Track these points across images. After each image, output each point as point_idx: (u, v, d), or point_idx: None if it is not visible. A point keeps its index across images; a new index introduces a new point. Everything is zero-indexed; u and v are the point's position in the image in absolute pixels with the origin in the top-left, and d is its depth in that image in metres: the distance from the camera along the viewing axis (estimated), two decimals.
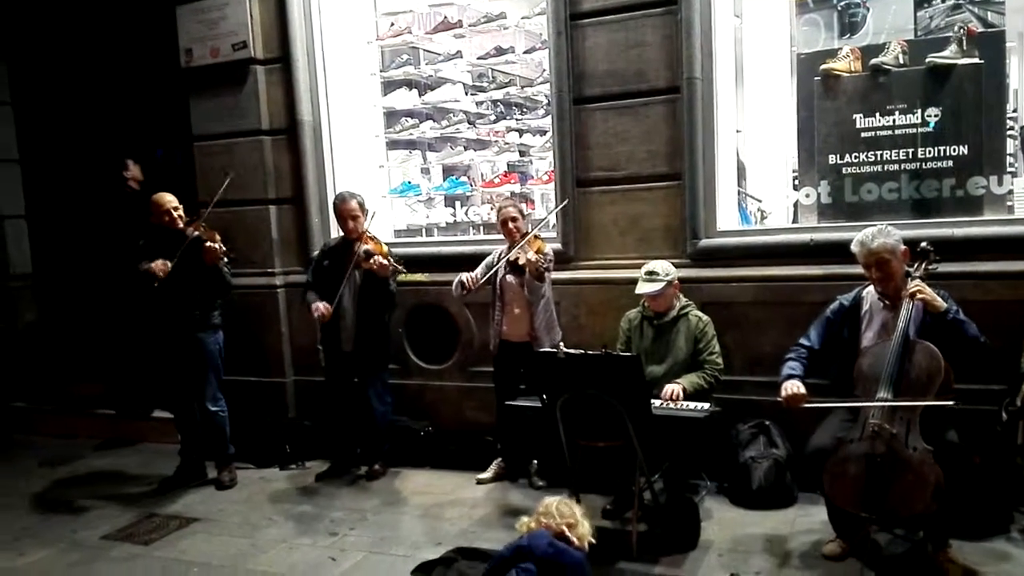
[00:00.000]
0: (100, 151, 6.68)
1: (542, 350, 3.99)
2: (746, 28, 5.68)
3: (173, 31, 5.75)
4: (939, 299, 3.24)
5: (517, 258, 4.38)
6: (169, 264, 4.63)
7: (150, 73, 6.33)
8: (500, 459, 4.82)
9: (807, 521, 3.91)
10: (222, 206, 5.04)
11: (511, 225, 4.49)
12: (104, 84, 6.66)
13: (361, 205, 4.81)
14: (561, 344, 3.81)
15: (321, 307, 4.70)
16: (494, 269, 4.53)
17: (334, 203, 4.91)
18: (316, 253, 5.08)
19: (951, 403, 3.08)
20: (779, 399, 3.41)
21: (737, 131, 5.44)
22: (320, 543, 4.05)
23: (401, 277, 4.85)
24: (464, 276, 4.49)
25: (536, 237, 4.45)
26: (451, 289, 4.57)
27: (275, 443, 5.33)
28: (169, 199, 4.79)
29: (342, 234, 4.90)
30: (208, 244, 4.62)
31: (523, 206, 4.66)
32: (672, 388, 3.85)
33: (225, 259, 4.73)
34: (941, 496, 3.05)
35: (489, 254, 4.68)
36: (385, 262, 4.61)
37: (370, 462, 5.02)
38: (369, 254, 4.65)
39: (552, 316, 4.58)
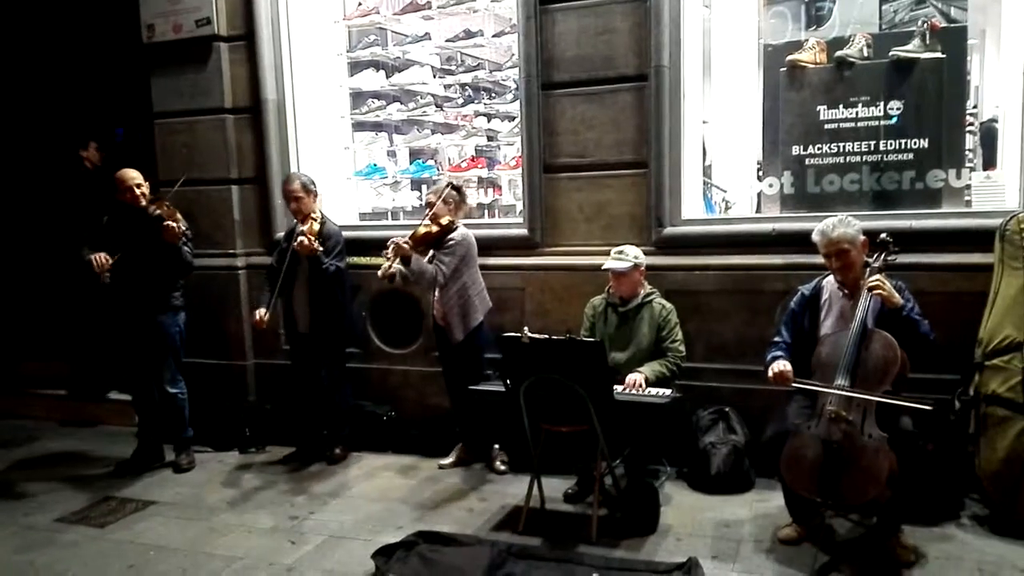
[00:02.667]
0: (58, 129, 6.50)
1: (506, 335, 3.98)
2: (715, 18, 5.72)
3: (135, 5, 5.59)
4: (896, 295, 3.29)
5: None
6: (111, 260, 4.50)
7: (110, 49, 6.17)
8: (461, 444, 4.82)
9: (764, 506, 3.97)
10: (184, 185, 4.94)
11: (427, 210, 4.57)
12: (62, 60, 6.48)
13: (305, 186, 4.76)
14: (526, 329, 3.81)
15: (257, 315, 4.70)
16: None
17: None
18: (280, 235, 5.00)
19: (928, 408, 3.12)
20: (769, 376, 3.43)
21: (704, 121, 5.47)
22: (280, 527, 4.02)
23: (363, 260, 4.81)
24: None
25: (435, 221, 4.49)
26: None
27: (235, 427, 5.28)
28: (133, 175, 4.69)
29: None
30: (168, 223, 4.53)
31: (450, 191, 4.60)
32: (634, 378, 3.87)
33: (185, 238, 4.65)
34: (895, 483, 3.13)
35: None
36: (173, 225, 4.54)
37: (330, 446, 4.99)
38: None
39: (468, 302, 4.55)
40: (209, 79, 5.53)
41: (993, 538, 3.56)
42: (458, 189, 4.69)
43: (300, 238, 4.58)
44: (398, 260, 4.40)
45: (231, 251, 5.54)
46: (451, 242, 4.51)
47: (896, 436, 3.17)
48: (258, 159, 5.51)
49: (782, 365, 3.42)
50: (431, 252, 4.53)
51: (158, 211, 4.59)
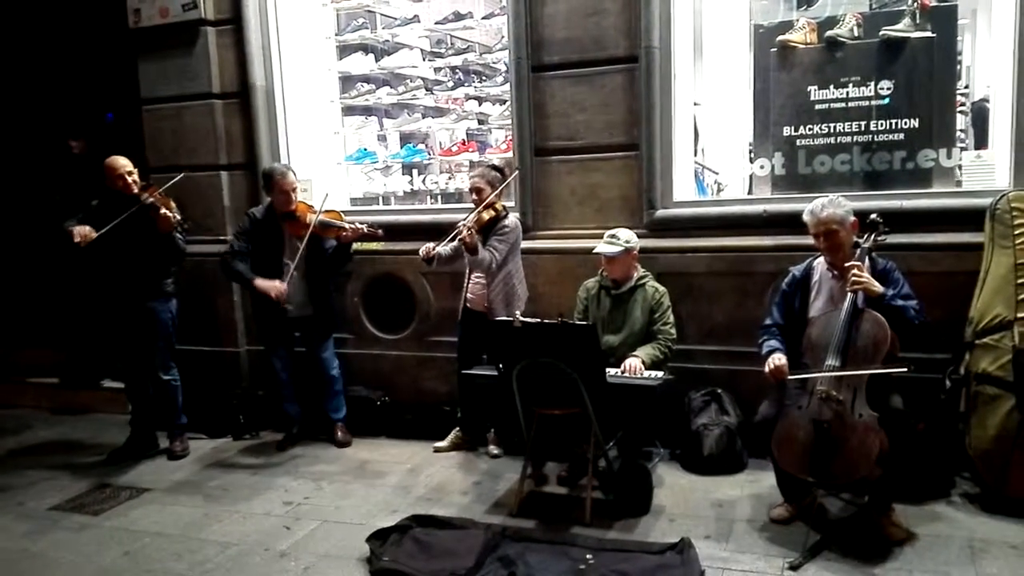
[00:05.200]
0: (48, 114, 6.44)
1: (498, 319, 3.99)
2: None
3: None
4: (876, 285, 3.29)
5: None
6: (95, 233, 4.44)
7: (98, 34, 6.10)
8: (458, 428, 4.82)
9: (756, 486, 4.00)
10: (173, 171, 4.90)
11: (475, 196, 4.50)
12: (50, 46, 6.41)
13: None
14: (518, 313, 3.81)
15: (279, 286, 4.62)
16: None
17: (272, 176, 4.78)
18: (244, 221, 4.90)
19: (905, 370, 3.16)
20: (766, 372, 3.45)
21: (696, 103, 5.45)
22: (274, 512, 4.03)
23: (357, 246, 4.80)
24: (422, 250, 4.43)
25: (492, 208, 4.45)
26: (408, 259, 4.56)
27: (228, 413, 5.27)
28: (123, 163, 4.65)
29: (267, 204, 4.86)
30: (163, 212, 4.50)
31: (496, 174, 4.55)
32: (633, 363, 3.88)
33: (180, 228, 4.63)
34: (885, 461, 3.15)
35: (448, 223, 4.61)
36: (168, 215, 4.53)
37: (331, 430, 5.00)
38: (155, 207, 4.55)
39: (512, 290, 4.53)
40: (197, 64, 5.48)
41: (983, 516, 3.59)
42: (500, 170, 4.63)
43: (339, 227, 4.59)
44: (450, 245, 4.35)
45: (221, 237, 5.50)
46: (505, 229, 4.46)
47: (886, 415, 3.19)
48: (247, 144, 5.48)
49: (779, 360, 3.43)
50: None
51: (151, 199, 4.56)
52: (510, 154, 5.04)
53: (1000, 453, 3.60)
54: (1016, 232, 3.76)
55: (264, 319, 4.92)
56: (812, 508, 3.48)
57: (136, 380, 4.93)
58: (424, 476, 4.42)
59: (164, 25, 5.47)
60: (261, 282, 4.66)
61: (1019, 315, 3.63)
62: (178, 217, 4.60)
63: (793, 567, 3.17)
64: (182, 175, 4.93)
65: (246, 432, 5.23)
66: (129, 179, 4.62)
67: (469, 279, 4.59)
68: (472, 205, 4.54)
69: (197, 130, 5.52)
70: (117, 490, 4.44)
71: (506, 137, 5.40)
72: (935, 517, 3.59)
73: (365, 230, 4.61)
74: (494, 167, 4.63)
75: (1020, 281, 3.69)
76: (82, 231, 4.44)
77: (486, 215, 4.44)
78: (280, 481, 4.45)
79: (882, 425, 3.14)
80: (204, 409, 5.25)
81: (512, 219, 4.55)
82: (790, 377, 3.40)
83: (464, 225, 4.28)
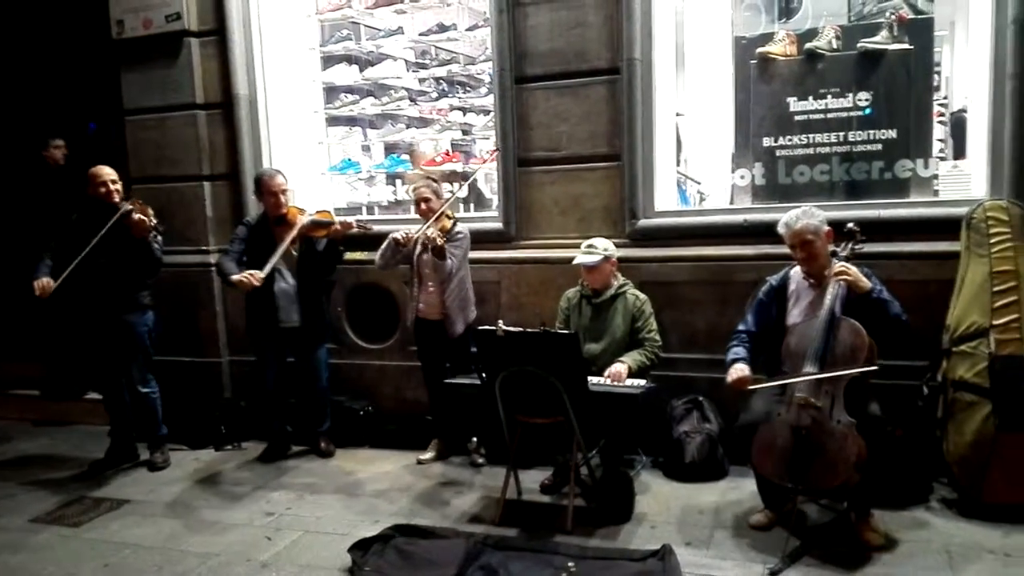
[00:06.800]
0: (30, 125, 6.41)
1: (480, 328, 4.00)
2: (688, 11, 5.74)
3: (104, 1, 5.53)
4: (863, 279, 3.34)
5: (420, 236, 4.42)
6: (54, 284, 4.45)
7: (81, 45, 6.10)
8: (437, 438, 4.82)
9: (737, 493, 4.02)
10: (156, 182, 4.91)
11: (423, 206, 4.54)
12: (33, 55, 6.39)
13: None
14: (500, 322, 3.82)
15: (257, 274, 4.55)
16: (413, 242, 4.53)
17: (261, 178, 4.82)
18: (240, 230, 4.90)
19: (874, 368, 3.23)
20: (727, 382, 3.50)
21: (678, 114, 5.50)
22: (256, 523, 4.01)
23: (357, 256, 4.89)
24: (398, 233, 4.47)
25: (447, 216, 4.53)
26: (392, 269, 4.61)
27: (210, 424, 5.24)
28: (107, 172, 4.65)
29: (262, 211, 4.87)
30: (137, 216, 4.49)
31: (438, 186, 4.69)
32: (617, 369, 3.90)
33: (155, 232, 4.61)
34: (864, 468, 3.18)
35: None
36: (142, 219, 4.52)
37: (315, 441, 4.99)
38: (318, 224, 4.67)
39: (467, 295, 4.60)
40: (180, 75, 5.48)
41: (961, 521, 3.62)
42: (437, 181, 4.75)
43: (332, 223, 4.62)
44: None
45: (204, 248, 5.50)
46: (459, 235, 4.54)
47: (864, 421, 3.22)
48: (230, 155, 5.48)
49: (739, 371, 3.48)
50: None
51: (129, 206, 4.56)
52: (493, 165, 5.07)
53: (977, 459, 3.64)
54: (992, 241, 3.81)
55: (256, 329, 4.89)
56: (792, 514, 3.50)
57: (114, 392, 4.89)
58: (407, 486, 4.41)
59: (147, 36, 5.48)
60: (237, 276, 4.60)
61: (995, 322, 3.67)
62: (153, 222, 4.58)
63: (773, 573, 3.18)
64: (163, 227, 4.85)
65: (228, 443, 5.20)
66: (112, 187, 4.62)
67: (420, 289, 4.62)
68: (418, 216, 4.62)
69: (180, 141, 5.52)
70: (97, 502, 4.40)
71: (490, 148, 5.42)
72: (913, 523, 3.62)
73: (355, 225, 4.64)
74: (431, 178, 4.75)
75: (996, 289, 3.73)
76: (41, 284, 4.46)
77: (447, 222, 4.49)
78: (262, 492, 4.43)
79: (860, 431, 3.17)
80: (186, 420, 5.22)
81: (463, 226, 4.62)
82: (750, 387, 3.44)
83: (428, 233, 4.33)
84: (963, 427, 3.69)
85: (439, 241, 4.30)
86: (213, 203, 5.56)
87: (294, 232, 4.63)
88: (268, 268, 4.55)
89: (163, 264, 4.80)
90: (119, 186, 4.67)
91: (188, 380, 5.45)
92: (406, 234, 4.43)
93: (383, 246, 4.54)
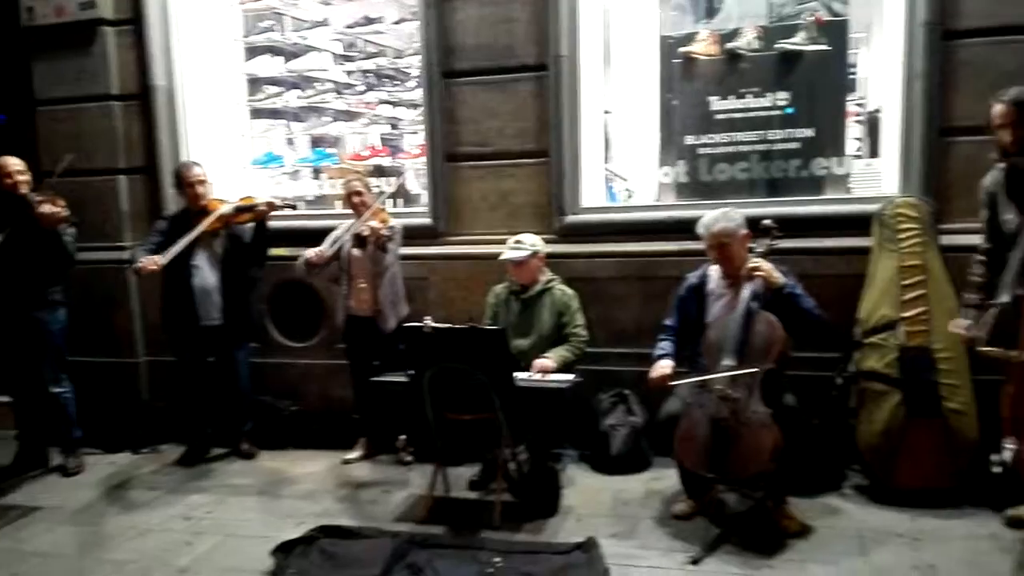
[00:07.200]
0: None
1: (408, 324, 3.97)
2: (615, 9, 5.79)
3: None
4: (777, 274, 3.43)
5: (361, 231, 4.38)
6: None
7: None
8: (364, 437, 4.77)
9: (661, 484, 4.08)
10: (69, 175, 4.69)
11: (355, 199, 4.49)
12: None
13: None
14: (428, 319, 3.80)
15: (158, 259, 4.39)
16: (339, 242, 4.50)
17: (179, 171, 4.73)
18: (160, 224, 4.77)
19: (772, 367, 3.32)
20: (650, 377, 3.58)
21: (606, 111, 5.56)
22: (174, 527, 3.89)
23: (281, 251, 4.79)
24: (309, 252, 4.45)
25: (381, 209, 4.50)
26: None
27: (126, 426, 5.07)
28: (12, 163, 4.44)
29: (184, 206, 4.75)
30: (45, 207, 4.29)
31: (370, 180, 4.70)
32: (543, 363, 3.92)
33: (67, 224, 4.42)
34: (780, 457, 3.27)
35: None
36: (51, 210, 4.35)
37: (236, 443, 4.87)
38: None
39: (399, 291, 4.58)
40: (95, 65, 5.25)
41: (873, 506, 3.76)
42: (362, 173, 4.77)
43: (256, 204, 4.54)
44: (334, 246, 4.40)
45: (120, 244, 5.30)
46: (394, 229, 4.47)
47: (780, 412, 3.32)
48: (148, 148, 5.28)
49: (662, 367, 3.56)
50: None
51: (39, 197, 4.37)
52: (423, 160, 5.04)
53: (887, 446, 3.78)
54: (901, 236, 3.97)
55: (174, 327, 4.74)
56: (712, 503, 3.59)
57: (23, 393, 4.69)
58: (332, 486, 4.35)
59: (60, 24, 5.22)
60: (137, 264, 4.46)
61: (904, 315, 3.83)
62: (64, 213, 4.39)
63: (694, 561, 3.25)
64: (71, 156, 4.71)
65: (145, 446, 5.03)
66: (18, 178, 4.41)
67: (351, 285, 4.56)
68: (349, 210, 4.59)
69: (95, 133, 5.29)
70: (5, 510, 4.19)
71: (419, 142, 5.38)
72: (828, 509, 3.74)
73: (279, 203, 4.57)
74: (359, 171, 4.79)
75: (905, 283, 3.89)
76: None
77: (386, 215, 4.47)
78: (181, 496, 4.30)
79: (776, 422, 3.26)
80: (101, 423, 5.01)
81: (395, 220, 4.59)
82: (670, 384, 3.51)
83: (372, 225, 4.29)
84: (874, 416, 3.83)
85: (384, 232, 4.26)
86: (129, 197, 5.35)
87: (211, 218, 4.50)
88: (171, 254, 4.40)
89: (76, 260, 4.61)
90: (26, 177, 4.47)
91: (103, 381, 5.23)
92: (318, 253, 4.40)
93: (297, 263, 4.50)
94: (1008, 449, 2.95)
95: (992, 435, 3.15)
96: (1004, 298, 2.96)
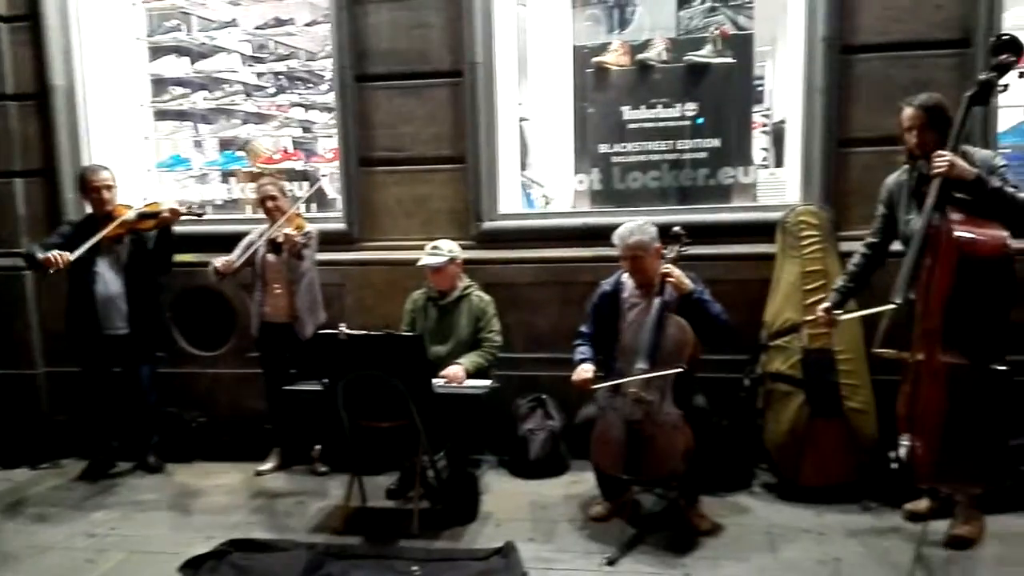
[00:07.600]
0: None
1: (323, 331, 3.91)
2: (530, 18, 5.85)
3: None
4: (686, 280, 3.53)
5: (276, 236, 4.31)
6: None
7: None
8: (278, 447, 4.66)
9: (578, 487, 4.14)
10: None
11: (269, 204, 4.41)
12: None
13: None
14: (343, 326, 3.75)
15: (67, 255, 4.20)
16: (253, 248, 4.41)
17: (83, 175, 4.54)
18: (64, 228, 4.58)
19: (682, 369, 3.41)
20: (573, 381, 3.64)
21: (523, 119, 5.60)
22: (76, 545, 3.72)
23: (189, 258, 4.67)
24: (217, 261, 4.34)
25: (296, 215, 4.44)
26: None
27: (24, 441, 4.83)
28: None
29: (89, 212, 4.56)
30: None
31: (284, 184, 4.64)
32: (454, 370, 3.92)
33: None
34: (691, 457, 3.36)
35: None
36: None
37: (142, 456, 4.68)
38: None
39: (316, 297, 4.51)
40: None
41: (781, 503, 3.90)
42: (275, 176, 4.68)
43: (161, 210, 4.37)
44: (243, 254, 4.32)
45: (16, 250, 5.02)
46: (310, 234, 4.39)
47: (691, 413, 3.41)
48: (45, 149, 5.04)
49: (583, 371, 3.64)
50: None
51: None
52: (336, 164, 4.96)
53: (793, 445, 3.93)
54: (803, 243, 4.14)
55: (77, 337, 4.53)
56: (628, 505, 3.66)
57: None
58: (244, 499, 4.24)
59: None
60: (44, 254, 4.20)
61: (806, 318, 3.97)
62: None
63: (610, 562, 3.31)
64: None
65: (45, 461, 4.80)
66: None
67: (265, 292, 4.48)
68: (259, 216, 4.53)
69: None
70: None
71: (333, 146, 5.30)
72: (738, 507, 3.87)
73: (183, 210, 4.43)
74: (273, 175, 4.72)
75: (807, 287, 4.06)
76: None
77: (302, 220, 4.40)
78: (83, 512, 4.11)
79: (688, 422, 3.36)
80: None
81: (311, 226, 4.52)
82: (593, 387, 3.58)
83: (286, 232, 4.23)
84: (780, 416, 3.98)
85: (299, 239, 4.18)
86: (26, 201, 5.09)
87: (117, 222, 4.33)
88: (81, 251, 4.22)
89: None
90: None
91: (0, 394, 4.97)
92: (226, 263, 4.31)
93: (208, 270, 4.38)
94: (904, 446, 3.10)
95: (890, 433, 3.31)
96: (897, 300, 3.10)
